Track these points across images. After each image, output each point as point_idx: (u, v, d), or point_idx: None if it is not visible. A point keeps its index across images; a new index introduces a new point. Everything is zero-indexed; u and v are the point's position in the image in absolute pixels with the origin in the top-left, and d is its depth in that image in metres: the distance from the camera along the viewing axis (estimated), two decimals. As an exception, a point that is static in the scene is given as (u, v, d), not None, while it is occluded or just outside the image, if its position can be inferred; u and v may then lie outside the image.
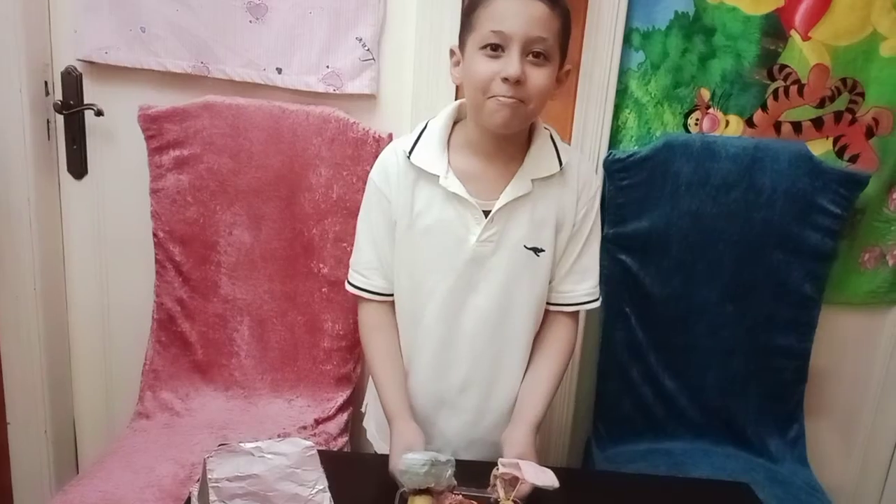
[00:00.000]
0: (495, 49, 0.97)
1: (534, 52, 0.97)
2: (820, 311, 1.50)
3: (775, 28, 1.41)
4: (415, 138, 1.07)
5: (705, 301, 1.48)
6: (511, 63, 0.95)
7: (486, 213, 1.04)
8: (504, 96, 0.97)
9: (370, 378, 1.19)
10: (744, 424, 1.53)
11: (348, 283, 1.15)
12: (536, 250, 1.07)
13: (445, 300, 1.07)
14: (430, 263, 1.07)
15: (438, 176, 1.03)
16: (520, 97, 0.97)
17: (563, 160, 1.07)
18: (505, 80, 0.96)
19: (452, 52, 1.05)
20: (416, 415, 1.12)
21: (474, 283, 1.07)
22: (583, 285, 1.11)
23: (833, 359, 1.61)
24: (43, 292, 1.55)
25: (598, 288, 1.13)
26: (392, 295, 1.12)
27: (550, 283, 1.11)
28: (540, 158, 1.06)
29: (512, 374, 1.11)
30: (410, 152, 1.05)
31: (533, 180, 1.04)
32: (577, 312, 1.14)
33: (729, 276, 1.47)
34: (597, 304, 1.13)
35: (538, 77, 0.97)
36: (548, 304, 1.12)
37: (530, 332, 1.11)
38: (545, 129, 1.09)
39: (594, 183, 1.12)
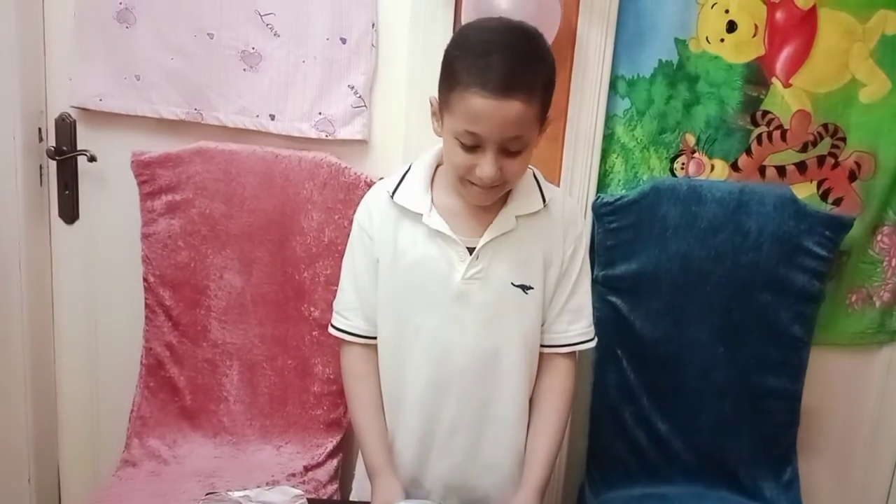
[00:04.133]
0: (471, 143, 0.96)
1: (510, 147, 0.96)
2: (809, 352, 1.51)
3: (757, 76, 1.45)
4: (398, 179, 1.08)
5: (696, 343, 1.48)
6: (486, 166, 0.96)
7: (472, 250, 1.04)
8: (482, 186, 0.98)
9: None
10: (737, 467, 1.51)
11: (331, 325, 1.14)
12: (525, 288, 1.06)
13: (432, 339, 1.06)
14: (415, 301, 1.06)
15: (422, 214, 1.04)
16: (498, 184, 0.99)
17: (546, 197, 1.08)
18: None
19: (431, 103, 1.04)
20: (405, 457, 1.11)
21: (461, 321, 1.06)
22: (576, 325, 1.11)
23: (824, 400, 1.60)
24: (31, 336, 1.54)
25: (592, 328, 1.13)
26: (374, 338, 1.11)
27: (543, 324, 1.10)
28: (523, 196, 1.06)
29: (504, 415, 1.09)
30: (394, 192, 1.07)
31: (517, 217, 1.05)
32: (573, 353, 1.13)
33: (719, 318, 1.48)
34: (592, 344, 1.13)
35: (515, 165, 0.98)
36: (543, 346, 1.11)
37: (523, 372, 1.09)
38: (528, 168, 1.10)
39: (579, 221, 1.12)
